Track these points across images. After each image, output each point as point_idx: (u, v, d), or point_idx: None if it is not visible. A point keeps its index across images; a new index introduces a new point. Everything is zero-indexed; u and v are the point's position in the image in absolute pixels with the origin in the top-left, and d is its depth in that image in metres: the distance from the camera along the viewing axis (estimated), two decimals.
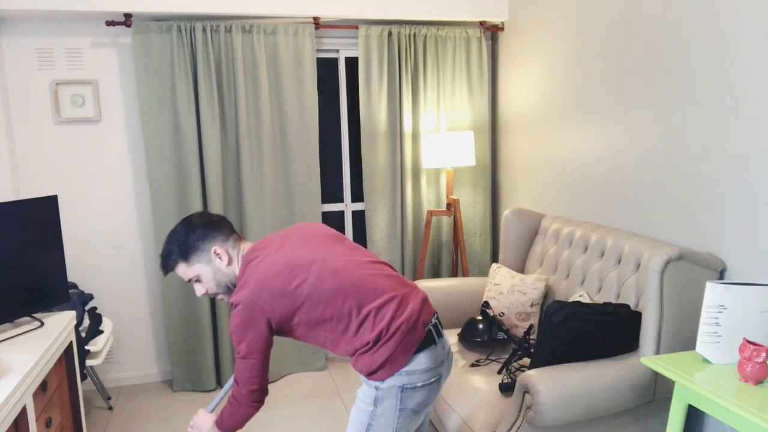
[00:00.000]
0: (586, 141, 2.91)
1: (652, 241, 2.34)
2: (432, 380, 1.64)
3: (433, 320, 1.67)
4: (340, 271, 1.63)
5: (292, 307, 1.61)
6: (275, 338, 3.52)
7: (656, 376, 2.07)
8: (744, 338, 1.66)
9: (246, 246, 1.78)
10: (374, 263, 1.72)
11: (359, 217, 3.80)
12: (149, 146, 3.22)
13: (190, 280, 1.75)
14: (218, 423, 1.72)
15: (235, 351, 1.64)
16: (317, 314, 1.61)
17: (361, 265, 1.69)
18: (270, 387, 3.45)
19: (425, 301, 1.71)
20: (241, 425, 1.70)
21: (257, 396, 1.65)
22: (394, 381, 1.60)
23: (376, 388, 1.61)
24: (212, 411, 1.82)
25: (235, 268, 1.74)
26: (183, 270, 1.73)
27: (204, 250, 1.71)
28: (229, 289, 1.76)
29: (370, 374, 1.61)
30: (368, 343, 1.59)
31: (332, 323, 1.62)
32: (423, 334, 1.62)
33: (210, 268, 1.72)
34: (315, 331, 1.65)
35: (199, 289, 1.76)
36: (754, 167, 1.98)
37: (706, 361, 1.81)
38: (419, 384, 1.61)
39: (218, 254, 1.71)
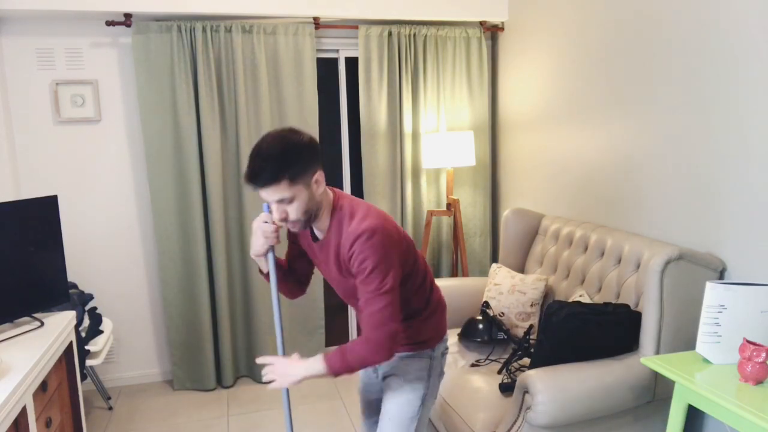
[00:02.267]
0: (586, 141, 2.91)
1: (652, 241, 2.34)
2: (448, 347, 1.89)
3: None
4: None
5: (408, 249, 1.62)
6: (268, 330, 3.52)
7: (656, 376, 2.07)
8: (744, 338, 1.66)
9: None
10: None
11: None
12: (149, 146, 3.23)
13: (280, 200, 1.53)
14: (335, 364, 1.54)
15: (377, 286, 1.49)
16: (409, 266, 1.63)
17: None
18: (270, 387, 3.45)
19: None
20: (358, 370, 1.56)
21: (399, 335, 1.53)
22: (440, 347, 1.78)
23: (430, 357, 1.74)
24: (283, 354, 1.69)
25: (323, 198, 1.60)
26: (281, 189, 1.50)
27: (311, 172, 1.54)
28: (311, 216, 1.59)
29: (424, 343, 1.72)
30: (432, 305, 1.73)
31: (414, 278, 1.67)
32: None
33: (308, 192, 1.54)
34: (405, 282, 1.64)
35: (280, 212, 1.55)
36: (754, 167, 1.98)
37: (706, 361, 1.81)
38: (448, 348, 1.86)
39: (318, 181, 1.56)
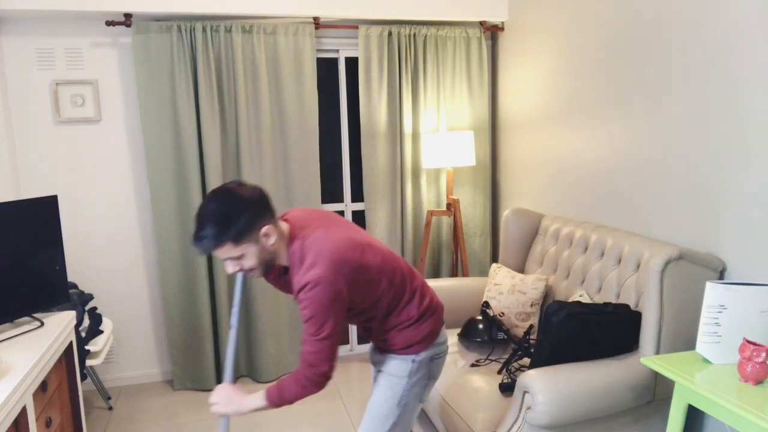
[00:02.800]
0: (586, 141, 2.91)
1: (652, 241, 2.34)
2: (447, 349, 1.86)
3: None
4: (389, 252, 1.74)
5: (366, 280, 1.62)
6: (268, 331, 3.52)
7: (656, 376, 2.07)
8: (744, 338, 1.66)
9: (283, 224, 1.67)
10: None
11: (359, 217, 3.80)
12: (149, 146, 3.23)
13: (230, 258, 1.58)
14: (273, 399, 1.63)
15: (314, 333, 1.54)
16: (382, 288, 1.67)
17: (389, 251, 1.79)
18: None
19: None
20: (292, 402, 1.64)
21: (331, 374, 1.61)
22: (428, 353, 1.77)
23: (413, 360, 1.75)
24: (232, 382, 1.75)
25: (279, 245, 1.62)
26: (227, 250, 1.55)
27: (255, 229, 1.55)
28: (268, 266, 1.64)
29: (407, 348, 1.74)
30: (413, 318, 1.73)
31: (390, 297, 1.70)
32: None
33: (257, 247, 1.57)
34: (370, 307, 1.69)
35: (233, 267, 1.61)
36: (754, 167, 1.98)
37: (706, 361, 1.81)
38: (442, 354, 1.82)
39: (267, 234, 1.58)
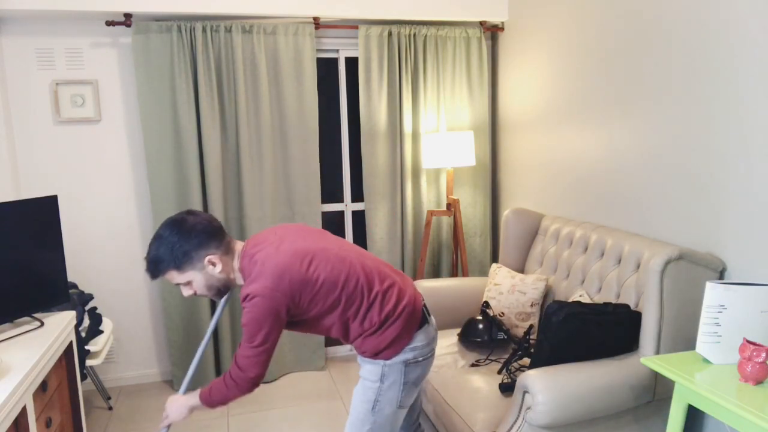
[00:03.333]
0: (586, 141, 2.91)
1: (652, 241, 2.34)
2: (429, 355, 1.80)
3: (423, 302, 1.84)
4: (345, 259, 1.73)
5: (311, 292, 1.66)
6: None
7: (656, 376, 2.07)
8: (744, 338, 1.66)
9: (239, 245, 1.79)
10: (366, 252, 1.85)
11: (359, 217, 3.80)
12: (149, 146, 3.23)
13: (178, 284, 1.72)
14: (204, 397, 1.73)
15: (248, 339, 1.63)
16: (332, 298, 1.68)
17: (360, 254, 1.80)
18: (269, 387, 3.45)
19: (414, 286, 1.87)
20: (227, 404, 1.73)
21: (258, 381, 1.68)
22: (399, 357, 1.74)
23: (383, 365, 1.74)
24: (184, 393, 1.84)
25: (229, 271, 1.74)
26: (173, 276, 1.69)
27: (198, 259, 1.68)
28: (220, 291, 1.76)
29: (376, 354, 1.73)
30: (375, 325, 1.71)
31: (344, 307, 1.70)
32: (420, 315, 1.78)
33: (202, 274, 1.70)
34: (325, 318, 1.72)
35: (187, 291, 1.74)
36: (754, 167, 1.98)
37: (706, 361, 1.81)
38: (420, 359, 1.77)
39: (212, 263, 1.69)
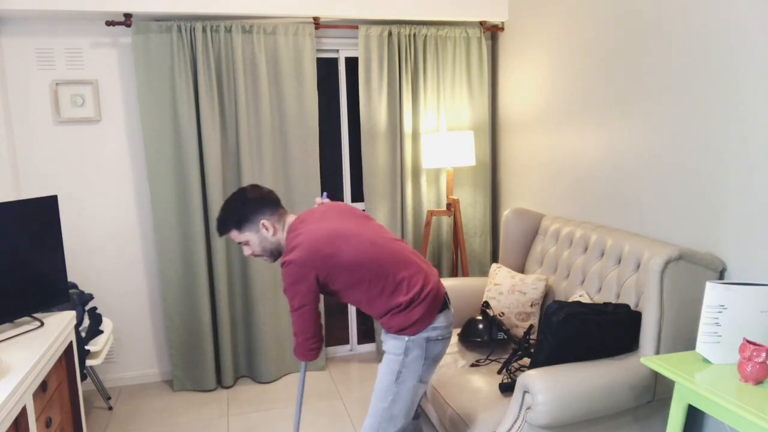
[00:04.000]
0: (586, 141, 2.91)
1: (652, 241, 2.34)
2: (448, 335, 1.99)
3: (445, 291, 2.04)
4: (376, 243, 1.94)
5: (335, 267, 1.88)
6: (269, 332, 3.52)
7: (656, 376, 2.07)
8: (744, 338, 1.66)
9: (291, 218, 2.06)
10: (399, 241, 2.04)
11: None
12: (149, 146, 3.22)
13: (240, 242, 2.02)
14: (297, 354, 2.04)
15: (291, 306, 1.91)
16: (357, 276, 1.89)
17: (391, 241, 2.00)
18: (270, 387, 3.45)
19: (438, 275, 2.05)
20: (311, 360, 2.01)
21: (313, 343, 1.96)
22: (423, 335, 1.92)
23: (407, 340, 1.92)
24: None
25: (280, 237, 2.01)
26: (234, 235, 2.01)
27: (254, 221, 1.99)
28: (273, 253, 2.04)
29: (402, 330, 1.91)
30: (401, 305, 1.90)
31: (369, 285, 1.90)
32: (443, 300, 1.98)
33: (258, 236, 2.00)
34: (353, 291, 1.92)
35: (247, 250, 2.04)
36: (754, 167, 1.98)
37: (706, 361, 1.81)
38: (440, 337, 1.95)
39: (265, 226, 1.99)
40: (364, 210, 3.68)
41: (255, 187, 2.04)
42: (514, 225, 3.13)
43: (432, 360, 1.97)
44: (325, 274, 1.88)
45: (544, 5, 3.20)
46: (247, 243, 2.02)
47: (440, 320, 1.95)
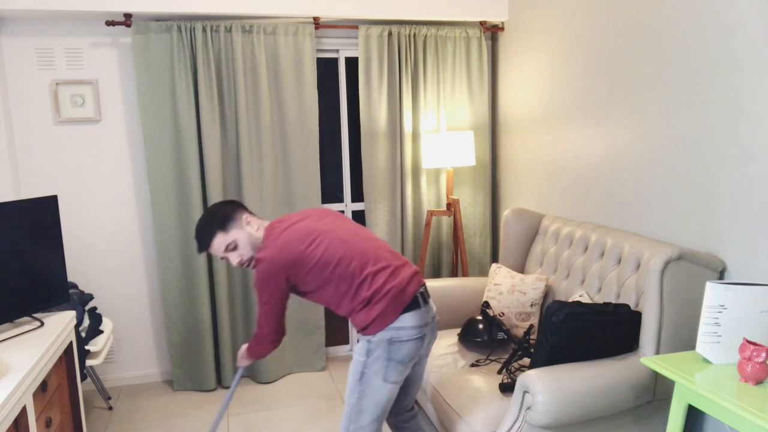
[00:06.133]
0: (586, 141, 2.91)
1: (652, 241, 2.34)
2: (416, 336, 1.91)
3: (421, 289, 1.96)
4: (347, 240, 1.94)
5: (306, 266, 1.90)
6: None
7: (656, 376, 2.07)
8: (744, 338, 1.66)
9: (266, 222, 2.10)
10: (375, 239, 2.03)
11: (359, 217, 3.80)
12: (149, 146, 3.23)
13: (226, 249, 2.00)
14: (250, 351, 2.15)
15: (258, 300, 1.95)
16: (326, 274, 1.90)
17: (365, 238, 2.00)
18: (270, 387, 3.45)
19: (416, 273, 1.99)
20: (262, 357, 2.13)
21: (274, 337, 2.03)
22: (383, 335, 1.89)
23: (368, 341, 1.91)
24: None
25: (261, 234, 2.03)
26: (221, 239, 1.99)
27: (237, 219, 2.02)
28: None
29: (363, 329, 1.91)
30: (363, 301, 1.89)
31: (337, 283, 1.91)
32: (410, 298, 1.91)
33: (244, 232, 2.01)
34: (322, 291, 1.94)
35: (235, 258, 2.02)
36: (754, 167, 1.98)
37: (706, 361, 1.81)
38: (404, 338, 1.90)
39: (248, 221, 2.03)
40: (363, 210, 3.68)
41: (223, 200, 2.11)
42: (514, 225, 3.13)
43: (398, 361, 1.92)
44: (294, 274, 1.91)
45: (545, 5, 3.20)
46: (234, 247, 2.00)
47: (406, 320, 1.88)
